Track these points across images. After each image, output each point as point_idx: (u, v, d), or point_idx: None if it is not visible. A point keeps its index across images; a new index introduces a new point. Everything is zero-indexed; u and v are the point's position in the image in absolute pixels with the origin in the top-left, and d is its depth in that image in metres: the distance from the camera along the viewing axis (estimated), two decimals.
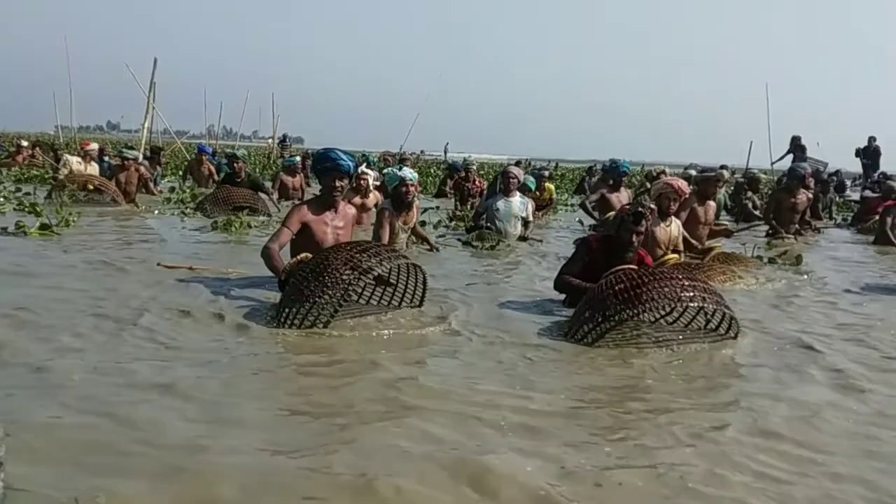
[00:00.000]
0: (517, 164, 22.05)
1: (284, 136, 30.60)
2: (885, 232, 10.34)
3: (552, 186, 13.05)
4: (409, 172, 7.23)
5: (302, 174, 13.38)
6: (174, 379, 3.18)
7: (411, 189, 7.07)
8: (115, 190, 10.52)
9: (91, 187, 10.48)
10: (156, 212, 10.05)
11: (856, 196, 19.55)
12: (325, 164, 4.97)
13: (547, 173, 13.63)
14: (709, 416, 3.10)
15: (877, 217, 11.57)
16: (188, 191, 12.10)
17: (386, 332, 4.13)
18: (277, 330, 4.03)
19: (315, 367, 3.52)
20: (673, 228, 6.28)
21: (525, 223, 8.63)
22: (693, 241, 6.88)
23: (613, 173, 10.02)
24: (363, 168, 10.38)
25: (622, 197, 9.87)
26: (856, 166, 21.80)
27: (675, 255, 5.76)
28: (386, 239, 7.03)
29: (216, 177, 15.50)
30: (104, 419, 2.71)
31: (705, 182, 7.76)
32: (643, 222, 4.69)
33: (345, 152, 5.05)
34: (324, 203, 5.04)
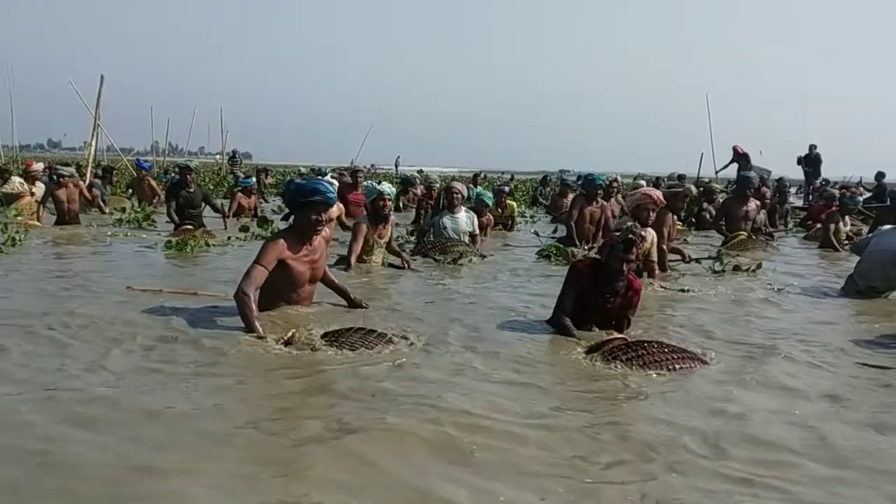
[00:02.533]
0: (475, 177, 22.21)
1: (234, 152, 30.20)
2: (829, 237, 10.71)
3: (514, 204, 13.11)
4: (387, 187, 7.29)
5: (257, 193, 13.26)
6: (129, 403, 3.13)
7: (388, 203, 7.12)
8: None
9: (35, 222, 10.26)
10: (109, 232, 9.80)
11: (799, 203, 20.18)
12: (312, 198, 4.56)
13: (507, 189, 13.66)
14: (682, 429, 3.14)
15: (819, 225, 12.01)
16: (142, 210, 11.87)
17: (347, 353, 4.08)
18: (250, 350, 3.99)
19: (286, 386, 3.48)
20: (648, 239, 6.41)
21: (472, 237, 8.66)
22: (663, 248, 7.12)
23: (590, 186, 10.17)
24: (328, 178, 10.39)
25: (604, 209, 10.11)
26: (798, 174, 22.45)
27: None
28: (358, 251, 7.03)
29: (159, 192, 15.27)
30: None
31: (674, 197, 7.92)
32: (634, 250, 4.56)
33: (324, 183, 4.79)
34: (302, 237, 4.64)
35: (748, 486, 2.59)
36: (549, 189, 19.96)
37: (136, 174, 15.58)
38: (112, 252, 8.04)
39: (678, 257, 7.99)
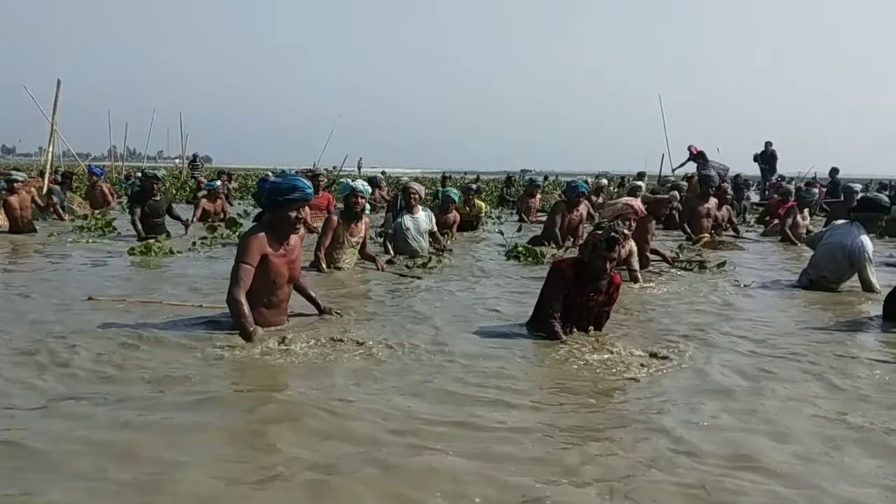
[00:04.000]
0: (444, 179, 22.25)
1: (195, 156, 29.81)
2: (786, 231, 11.10)
3: (482, 204, 13.16)
4: (361, 184, 7.27)
5: (223, 197, 13.09)
6: (99, 416, 3.09)
7: (360, 200, 7.11)
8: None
9: None
10: (70, 239, 9.57)
11: (756, 199, 20.59)
12: (290, 195, 4.44)
13: (475, 187, 13.71)
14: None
15: (777, 221, 12.33)
16: (102, 217, 11.67)
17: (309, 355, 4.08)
18: (212, 360, 3.93)
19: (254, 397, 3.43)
20: (627, 248, 6.50)
21: (432, 235, 8.68)
22: (647, 256, 7.34)
23: (572, 193, 10.33)
24: None
25: (581, 213, 10.26)
26: (755, 170, 22.89)
27: None
28: (327, 244, 7.01)
29: (111, 198, 15.00)
30: None
31: (657, 203, 8.05)
32: (617, 248, 4.53)
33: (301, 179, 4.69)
34: (279, 236, 4.51)
35: (721, 484, 2.62)
36: (514, 189, 20.09)
37: (88, 181, 15.33)
38: (72, 260, 7.83)
39: (659, 258, 8.13)
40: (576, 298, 4.56)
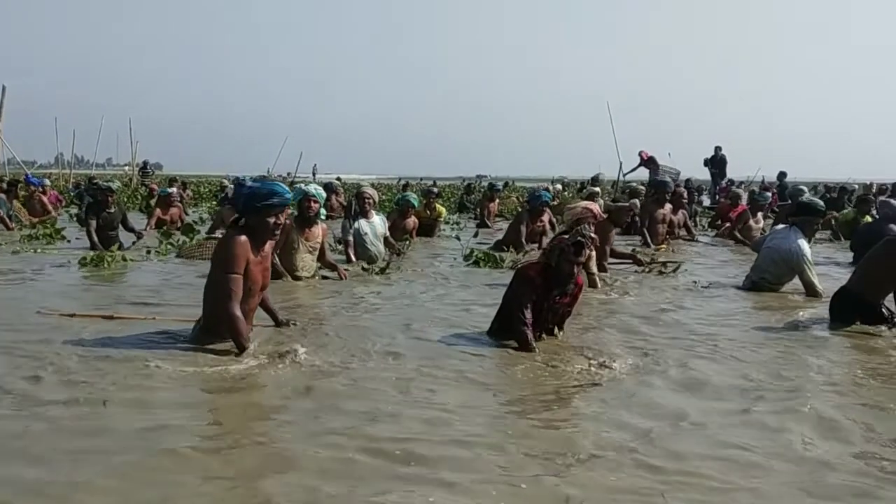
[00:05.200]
0: (405, 185, 22.26)
1: (145, 163, 29.31)
2: (735, 234, 11.45)
3: (442, 208, 13.21)
4: (314, 188, 7.20)
5: (180, 205, 12.81)
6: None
7: (314, 205, 7.00)
8: None
9: None
10: (13, 249, 9.25)
11: (707, 203, 21.03)
12: (269, 201, 4.31)
13: (436, 191, 13.77)
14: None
15: (728, 224, 12.63)
16: (51, 226, 11.38)
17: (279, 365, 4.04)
18: (171, 373, 3.85)
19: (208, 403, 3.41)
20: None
21: (386, 239, 8.66)
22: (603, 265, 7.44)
23: (535, 202, 10.54)
24: None
25: (545, 222, 10.47)
26: (705, 175, 23.38)
27: None
28: (278, 245, 6.93)
29: (50, 208, 14.63)
30: None
31: (619, 211, 8.19)
32: (584, 252, 4.57)
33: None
34: (259, 242, 4.36)
35: (678, 483, 2.68)
36: (473, 196, 20.18)
37: (25, 190, 14.92)
38: (20, 272, 7.54)
39: (629, 261, 8.24)
40: (543, 303, 4.58)
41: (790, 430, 3.23)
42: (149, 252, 8.97)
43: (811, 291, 6.73)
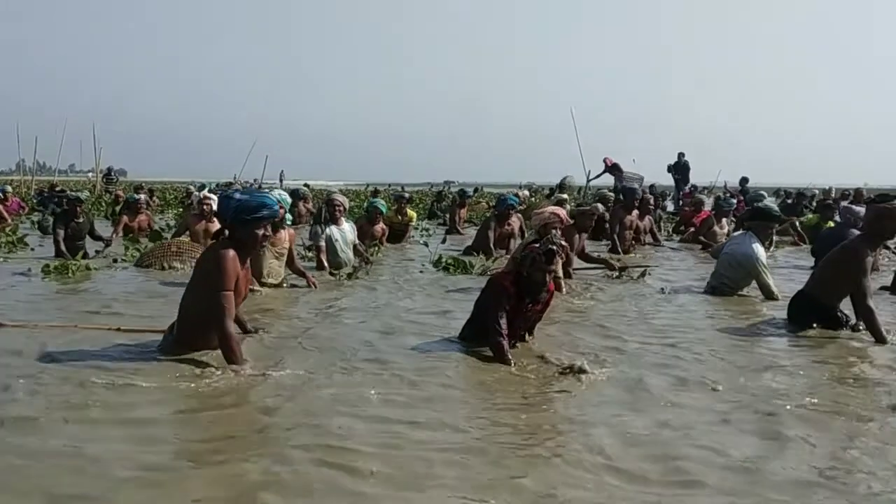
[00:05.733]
0: (375, 192, 22.24)
1: (109, 170, 28.89)
2: (699, 238, 11.75)
3: (413, 213, 13.26)
4: (278, 193, 7.18)
5: (148, 213, 12.60)
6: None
7: (279, 210, 7.00)
8: None
9: None
10: None
11: (671, 208, 21.34)
12: (259, 213, 4.27)
13: (408, 196, 13.81)
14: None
15: (693, 229, 12.88)
16: (12, 233, 11.19)
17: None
18: (130, 387, 3.79)
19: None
20: None
21: (355, 247, 8.67)
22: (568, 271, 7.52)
23: (502, 206, 10.72)
24: (206, 192, 10.11)
25: (513, 226, 10.58)
26: (668, 180, 23.71)
27: None
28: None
29: (6, 215, 14.36)
30: None
31: (582, 215, 8.32)
32: (556, 260, 4.59)
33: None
34: (245, 254, 4.33)
35: (646, 485, 2.75)
36: (444, 203, 20.24)
37: None
38: None
39: (602, 266, 8.36)
40: (517, 312, 4.62)
41: (751, 432, 3.34)
42: (115, 261, 8.85)
43: (767, 294, 6.92)
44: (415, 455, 3.00)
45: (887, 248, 10.16)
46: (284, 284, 7.14)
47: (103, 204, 19.87)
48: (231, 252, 4.17)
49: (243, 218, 4.24)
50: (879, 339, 5.15)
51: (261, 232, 4.33)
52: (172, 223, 14.80)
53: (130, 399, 3.63)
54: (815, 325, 5.54)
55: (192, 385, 3.85)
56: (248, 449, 3.03)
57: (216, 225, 8.79)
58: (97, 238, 10.05)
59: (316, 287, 7.13)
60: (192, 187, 25.62)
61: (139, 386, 3.81)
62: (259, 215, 4.27)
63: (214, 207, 8.91)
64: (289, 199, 7.40)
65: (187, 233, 9.01)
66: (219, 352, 4.19)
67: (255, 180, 37.75)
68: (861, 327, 5.39)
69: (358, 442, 3.10)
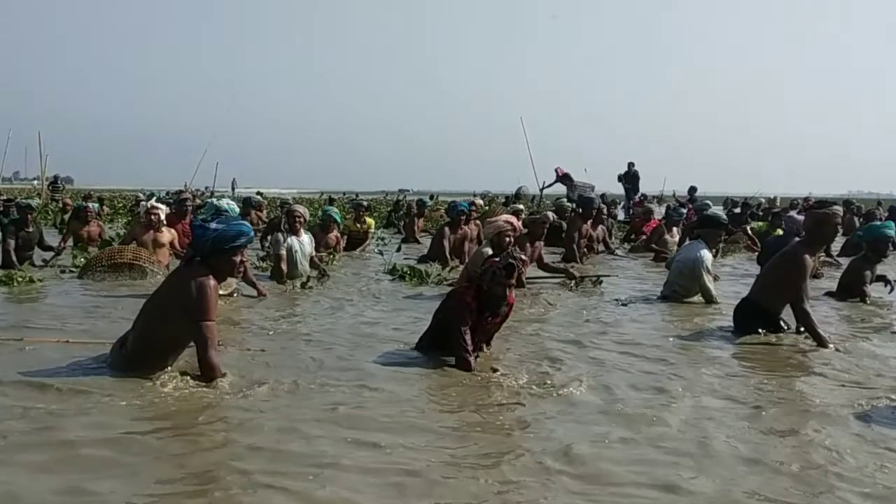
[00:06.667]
0: (331, 200, 22.10)
1: (56, 178, 28.23)
2: (650, 246, 11.99)
3: (372, 220, 13.25)
4: (226, 203, 7.09)
5: (100, 223, 12.27)
6: None
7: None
8: None
9: None
10: None
11: (622, 217, 21.73)
12: (238, 242, 4.25)
13: (366, 204, 13.81)
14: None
15: (644, 237, 13.14)
16: None
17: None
18: (84, 407, 3.68)
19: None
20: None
21: (311, 258, 8.62)
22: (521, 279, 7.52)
23: (453, 213, 10.85)
24: (153, 202, 9.92)
25: (471, 232, 10.76)
26: (618, 189, 24.14)
27: None
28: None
29: None
30: None
31: (534, 224, 8.42)
32: (515, 274, 4.61)
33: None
34: (221, 279, 4.32)
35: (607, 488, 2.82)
36: (401, 213, 20.24)
37: None
38: None
39: (561, 275, 8.46)
40: (477, 325, 4.65)
41: (703, 441, 3.42)
42: (63, 271, 8.64)
43: (707, 298, 7.15)
44: (373, 467, 3.00)
45: (830, 257, 10.53)
46: (235, 294, 7.05)
47: (50, 212, 19.38)
48: (212, 281, 4.14)
49: (222, 248, 4.21)
50: (819, 341, 5.33)
51: (238, 259, 4.33)
52: (123, 232, 14.49)
53: (76, 421, 3.49)
54: (759, 330, 5.68)
55: (139, 403, 3.76)
56: (205, 468, 3.00)
57: (164, 235, 8.75)
58: (46, 248, 9.79)
59: (265, 296, 7.08)
60: (140, 195, 25.19)
61: (91, 405, 3.71)
62: (237, 244, 4.27)
63: (163, 217, 8.81)
64: (237, 209, 7.35)
65: (134, 243, 8.80)
66: (174, 370, 4.16)
67: (206, 188, 37.28)
68: (802, 330, 5.56)
69: (311, 460, 3.07)
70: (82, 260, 8.96)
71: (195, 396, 3.88)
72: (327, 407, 3.76)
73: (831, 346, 5.30)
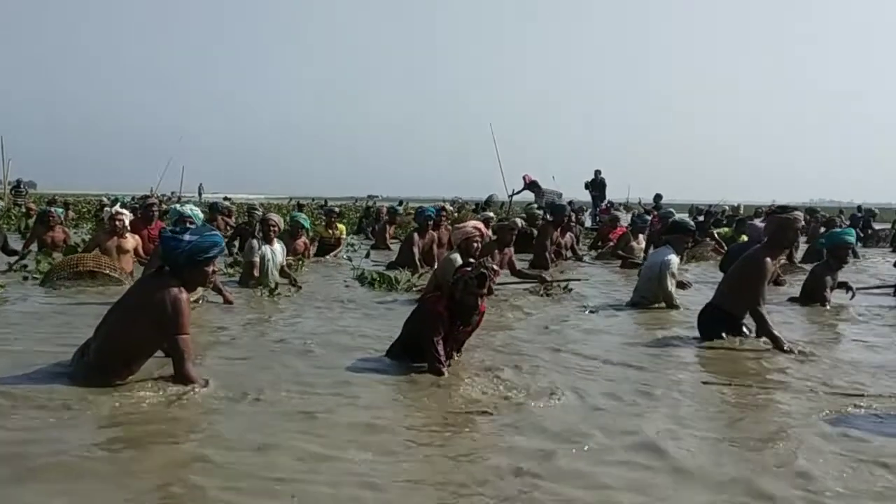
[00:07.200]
0: (300, 206, 21.97)
1: (18, 182, 27.72)
2: (617, 253, 12.17)
3: (343, 227, 13.21)
4: (189, 209, 7.03)
5: (65, 229, 11.99)
6: None
7: (190, 226, 6.86)
8: None
9: None
10: None
11: (589, 224, 21.95)
12: (211, 253, 4.26)
13: (338, 210, 13.78)
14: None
15: (611, 244, 13.30)
16: None
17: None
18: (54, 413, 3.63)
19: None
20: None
21: (282, 268, 8.54)
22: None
23: (420, 218, 10.93)
24: (118, 208, 9.80)
25: (443, 237, 10.85)
26: (586, 196, 24.37)
27: None
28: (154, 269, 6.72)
29: None
30: None
31: (502, 230, 8.48)
32: (487, 283, 4.61)
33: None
34: (192, 289, 4.36)
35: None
36: (370, 220, 20.22)
37: None
38: None
39: (533, 281, 8.50)
40: (449, 335, 4.66)
41: (669, 449, 3.46)
42: (26, 278, 8.46)
43: (668, 301, 7.28)
44: (335, 477, 2.98)
45: (792, 262, 10.75)
46: (201, 301, 6.97)
47: (13, 217, 19.02)
48: (185, 294, 4.13)
49: (196, 260, 4.20)
50: (775, 342, 5.42)
51: (210, 269, 4.33)
52: (88, 237, 14.25)
53: (29, 435, 3.38)
54: (723, 335, 5.73)
55: (109, 412, 3.70)
56: (159, 484, 2.92)
57: (128, 241, 8.63)
58: (11, 252, 9.61)
59: (232, 304, 7.02)
60: (105, 199, 24.83)
61: (45, 416, 3.63)
62: (212, 255, 4.27)
63: (127, 223, 8.70)
64: (200, 215, 7.29)
65: (97, 250, 8.66)
66: (135, 380, 4.11)
67: (172, 193, 36.90)
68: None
69: (270, 473, 3.01)
70: (47, 265, 8.78)
71: (156, 408, 3.79)
72: (293, 417, 3.71)
73: (787, 346, 5.38)
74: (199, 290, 6.92)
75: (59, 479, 2.93)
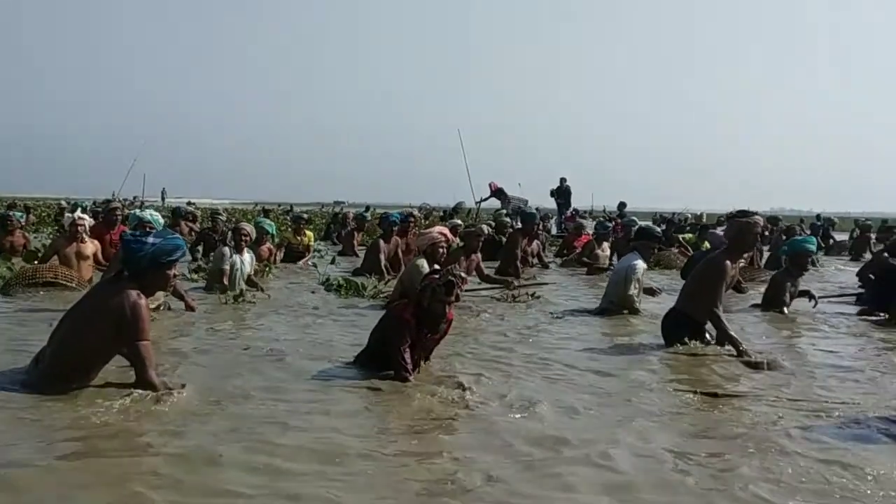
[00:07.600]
0: (266, 212, 21.78)
1: None
2: (582, 259, 12.32)
3: (311, 234, 13.13)
4: (149, 214, 6.95)
5: (25, 234, 11.67)
6: None
7: (150, 232, 6.77)
8: None
9: None
10: None
11: (555, 231, 22.10)
12: (175, 256, 4.24)
13: (306, 217, 13.77)
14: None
15: (577, 251, 13.39)
16: None
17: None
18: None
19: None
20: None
21: (249, 278, 8.45)
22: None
23: (384, 224, 11.04)
24: (79, 213, 9.64)
25: (397, 241, 10.87)
26: (551, 204, 24.54)
27: None
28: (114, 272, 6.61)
29: None
30: None
31: (469, 236, 8.49)
32: (455, 291, 4.60)
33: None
34: (151, 293, 4.33)
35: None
36: (338, 225, 20.12)
37: None
38: None
39: (500, 286, 8.51)
40: (417, 342, 4.64)
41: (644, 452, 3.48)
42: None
43: (630, 307, 7.33)
44: (299, 493, 2.91)
45: (754, 265, 10.93)
46: (162, 308, 6.81)
47: None
48: (144, 299, 4.07)
49: (160, 262, 4.16)
50: (732, 343, 5.51)
51: (171, 272, 4.30)
52: (49, 242, 13.93)
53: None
54: (686, 339, 5.77)
55: (63, 426, 3.56)
56: (117, 490, 2.86)
57: (88, 247, 8.47)
58: None
59: (194, 310, 6.89)
60: (64, 203, 24.32)
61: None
62: (175, 258, 4.25)
63: (87, 229, 8.55)
64: (161, 220, 7.21)
65: (56, 257, 8.45)
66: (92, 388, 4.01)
67: (135, 198, 36.26)
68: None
69: (220, 488, 2.94)
70: (6, 270, 8.57)
71: (115, 416, 3.69)
72: (255, 428, 3.62)
73: (743, 347, 5.47)
74: (160, 295, 6.81)
75: (2, 493, 2.80)
